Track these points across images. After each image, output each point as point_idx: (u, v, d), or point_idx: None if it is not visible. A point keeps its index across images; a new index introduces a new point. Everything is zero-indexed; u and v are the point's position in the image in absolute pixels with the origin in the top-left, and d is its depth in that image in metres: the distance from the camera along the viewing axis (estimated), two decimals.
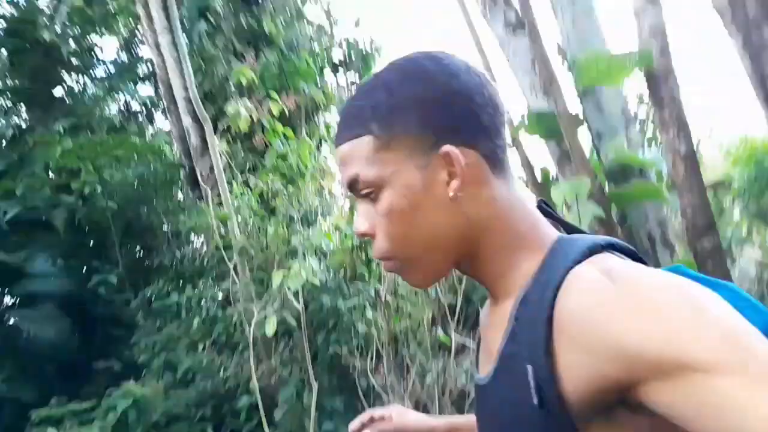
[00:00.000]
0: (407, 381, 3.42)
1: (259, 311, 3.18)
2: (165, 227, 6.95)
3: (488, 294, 0.78)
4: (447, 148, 0.68)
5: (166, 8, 6.25)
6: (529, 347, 0.62)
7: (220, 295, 5.45)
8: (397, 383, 3.41)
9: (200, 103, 4.87)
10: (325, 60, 5.33)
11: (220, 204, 4.65)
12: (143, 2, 6.80)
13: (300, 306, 3.20)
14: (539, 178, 2.88)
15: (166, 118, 9.96)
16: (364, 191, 0.72)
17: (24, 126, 8.44)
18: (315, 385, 3.13)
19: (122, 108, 10.31)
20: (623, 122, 2.76)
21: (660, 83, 2.49)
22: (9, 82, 8.54)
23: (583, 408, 0.59)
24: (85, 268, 6.88)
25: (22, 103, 8.58)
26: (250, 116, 3.78)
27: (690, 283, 0.57)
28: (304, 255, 3.99)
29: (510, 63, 2.98)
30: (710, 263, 2.39)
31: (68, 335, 6.10)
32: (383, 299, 3.22)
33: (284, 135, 4.09)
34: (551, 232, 0.73)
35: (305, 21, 6.05)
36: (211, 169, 6.41)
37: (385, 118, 0.69)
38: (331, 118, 5.79)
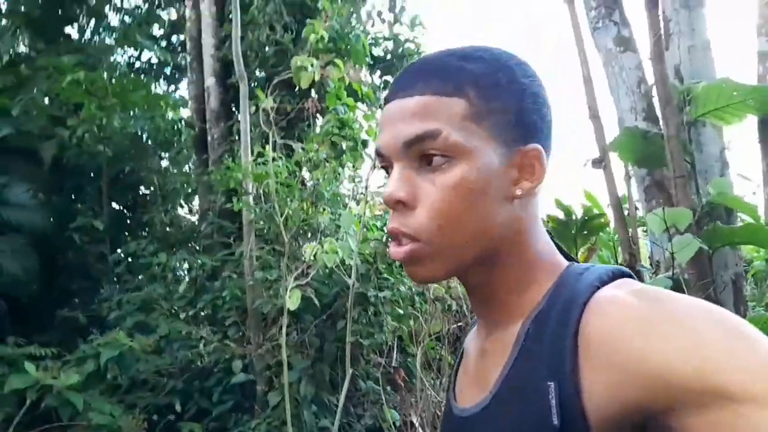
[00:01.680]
0: (417, 394, 3.21)
1: (291, 283, 2.92)
2: (157, 186, 6.60)
3: (483, 319, 0.74)
4: (536, 146, 0.66)
5: None
6: (550, 365, 0.59)
7: (210, 263, 5.18)
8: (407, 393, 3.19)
9: (242, 60, 4.63)
10: (368, 50, 5.15)
11: (227, 169, 4.40)
12: None
13: (352, 281, 2.96)
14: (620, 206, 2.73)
15: (179, 79, 9.74)
16: (436, 152, 0.63)
17: (26, 53, 8.03)
18: (349, 373, 2.87)
19: (130, 61, 10.00)
20: (720, 165, 2.65)
21: None
22: (21, 8, 8.11)
23: (603, 430, 0.55)
24: (65, 209, 6.45)
25: (27, 30, 8.16)
26: (314, 75, 3.54)
27: (723, 309, 0.55)
28: (328, 236, 3.77)
29: (611, 81, 2.85)
30: None
31: (34, 275, 5.67)
32: (414, 298, 3.03)
33: (345, 104, 3.86)
34: (560, 258, 0.70)
35: (362, 4, 5.90)
36: (228, 134, 6.17)
37: (487, 90, 0.64)
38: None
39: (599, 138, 2.87)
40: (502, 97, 0.65)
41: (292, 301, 2.94)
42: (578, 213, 6.24)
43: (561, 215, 6.26)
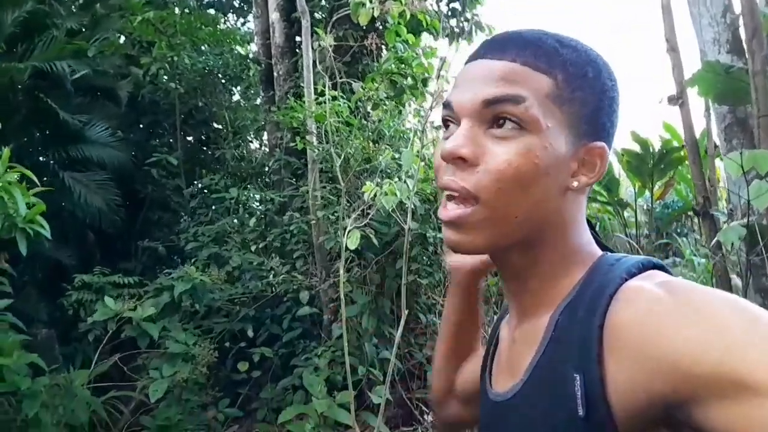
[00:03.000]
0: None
1: (350, 224, 2.96)
2: (228, 121, 6.74)
3: (514, 306, 0.74)
4: (602, 144, 0.67)
5: None
6: (577, 355, 0.60)
7: (278, 199, 5.31)
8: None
9: None
10: None
11: (290, 109, 4.40)
12: None
13: (407, 226, 2.98)
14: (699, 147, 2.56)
15: (248, 13, 9.73)
16: (513, 117, 0.63)
17: None
18: (405, 312, 2.94)
19: None
20: None
21: None
22: None
23: (627, 423, 0.56)
24: (142, 145, 6.74)
25: None
26: (372, 12, 3.44)
27: (749, 303, 0.54)
28: (389, 175, 3.76)
29: (693, 9, 2.62)
30: None
31: (116, 208, 6.01)
32: None
33: (405, 41, 3.76)
34: (596, 249, 0.71)
35: None
36: (293, 70, 6.17)
37: (575, 78, 0.65)
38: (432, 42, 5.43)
39: (677, 73, 2.68)
40: (586, 89, 0.66)
41: (351, 240, 2.99)
42: (656, 146, 5.92)
43: (637, 148, 5.96)
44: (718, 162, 2.92)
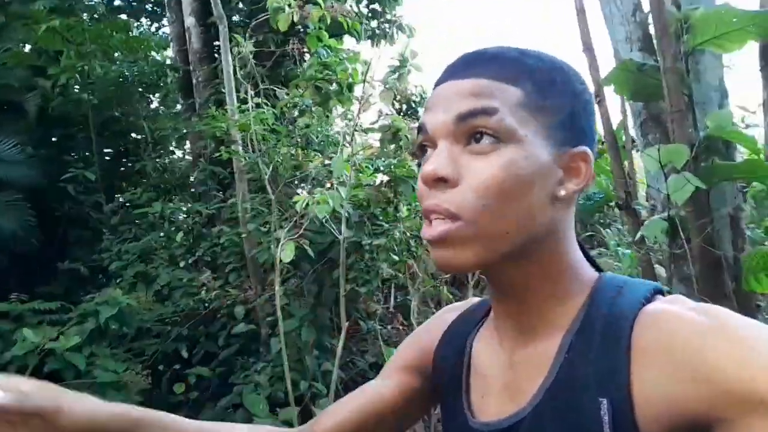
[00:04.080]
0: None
1: (283, 236, 2.89)
2: (147, 131, 6.47)
3: (512, 327, 0.71)
4: (586, 148, 0.66)
5: None
6: (600, 379, 0.59)
7: (206, 212, 5.15)
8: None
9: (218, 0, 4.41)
10: None
11: (212, 118, 4.27)
12: None
13: (342, 235, 2.93)
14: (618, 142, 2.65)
15: (162, 17, 9.38)
16: (488, 130, 0.62)
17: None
18: (344, 326, 2.89)
19: (107, 0, 9.58)
20: (719, 95, 2.55)
21: None
22: None
23: None
24: (55, 161, 6.37)
25: None
26: (291, 17, 3.37)
27: None
28: (320, 183, 3.71)
29: (605, 10, 2.70)
30: None
31: (31, 229, 5.66)
32: (410, 242, 3.01)
33: (327, 46, 3.69)
34: (590, 268, 0.71)
35: None
36: (213, 76, 5.98)
37: (544, 86, 0.65)
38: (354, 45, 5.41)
39: (593, 72, 2.75)
40: (558, 96, 0.65)
41: (285, 253, 2.92)
42: None
43: None
44: (636, 156, 3.04)
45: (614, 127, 2.79)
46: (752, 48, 2.45)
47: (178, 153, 7.46)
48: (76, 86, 6.39)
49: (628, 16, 2.63)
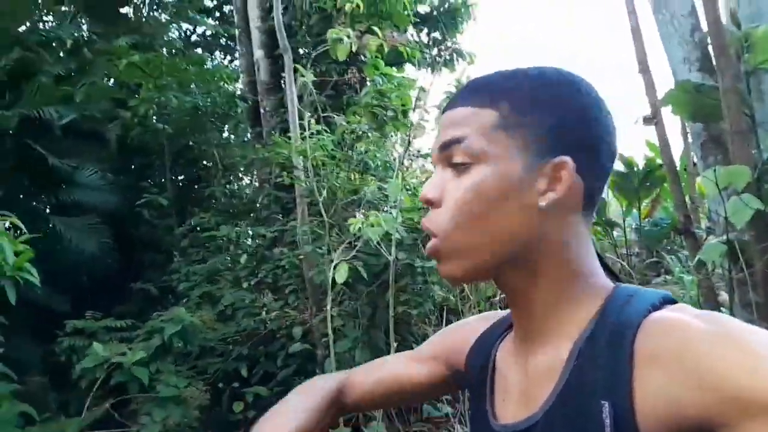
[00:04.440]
0: None
1: (337, 257, 2.96)
2: (217, 159, 6.78)
3: (524, 335, 0.74)
4: (566, 158, 0.67)
5: None
6: (603, 383, 0.61)
7: (269, 235, 5.31)
8: None
9: (284, 32, 4.62)
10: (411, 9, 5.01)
11: (275, 145, 4.43)
12: None
13: (393, 256, 2.97)
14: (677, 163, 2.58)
15: (235, 50, 9.87)
16: (459, 158, 0.69)
17: (85, 37, 8.30)
18: (394, 345, 2.91)
19: (184, 36, 10.18)
20: None
21: None
22: None
23: None
24: (132, 187, 6.76)
25: (86, 15, 8.42)
26: (350, 47, 3.51)
27: None
28: (375, 207, 3.77)
29: (662, 30, 2.66)
30: None
31: (108, 251, 6.01)
32: None
33: (383, 74, 3.81)
34: (607, 280, 0.72)
35: None
36: (279, 106, 6.22)
37: (519, 103, 0.69)
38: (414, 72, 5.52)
39: (650, 93, 2.71)
40: (539, 111, 0.68)
41: (339, 274, 2.98)
42: (640, 165, 5.95)
43: (622, 168, 5.99)
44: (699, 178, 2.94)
45: (677, 150, 2.73)
46: None
47: (246, 180, 7.75)
48: (154, 117, 6.80)
49: (686, 37, 2.58)
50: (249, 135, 7.60)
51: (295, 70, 4.41)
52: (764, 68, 2.36)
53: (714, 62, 2.43)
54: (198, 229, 6.14)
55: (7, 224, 3.41)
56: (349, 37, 3.59)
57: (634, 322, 0.61)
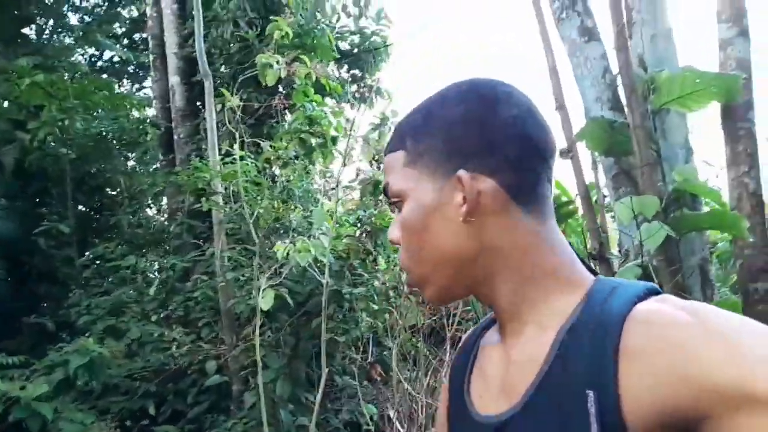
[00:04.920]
0: (394, 388, 3.21)
1: (264, 284, 2.89)
2: (123, 187, 6.47)
3: (508, 327, 0.74)
4: (460, 173, 0.69)
5: None
6: (589, 374, 0.61)
7: (181, 265, 5.10)
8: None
9: (205, 58, 4.55)
10: (333, 45, 5.12)
11: (195, 169, 4.32)
12: None
13: (326, 280, 2.93)
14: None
15: (142, 77, 9.57)
16: (393, 200, 0.76)
17: None
18: (325, 371, 2.85)
19: (89, 61, 9.77)
20: (684, 152, 2.69)
21: (737, 116, 2.44)
22: None
23: None
24: (29, 214, 6.29)
25: None
26: (279, 73, 3.51)
27: (763, 324, 0.58)
28: (300, 233, 3.74)
29: (576, 72, 2.87)
30: (761, 307, 2.32)
31: (1, 282, 5.51)
32: (389, 293, 3.02)
33: (313, 101, 3.82)
34: (585, 271, 0.73)
35: None
36: (194, 133, 6.07)
37: (416, 136, 0.73)
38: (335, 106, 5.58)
39: (566, 128, 2.89)
40: (428, 136, 0.72)
41: (265, 301, 2.91)
42: None
43: None
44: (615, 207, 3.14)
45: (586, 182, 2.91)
46: (715, 108, 2.62)
47: (153, 210, 7.43)
48: (54, 141, 6.40)
49: (599, 78, 2.79)
50: (158, 163, 7.33)
51: (220, 95, 4.34)
52: (667, 108, 2.59)
53: (624, 101, 2.64)
54: (101, 259, 5.78)
55: None
56: (278, 62, 3.60)
57: (619, 315, 0.62)
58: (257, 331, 2.97)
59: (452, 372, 0.87)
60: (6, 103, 6.66)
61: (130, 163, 7.60)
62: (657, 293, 0.67)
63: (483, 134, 0.70)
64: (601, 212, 3.11)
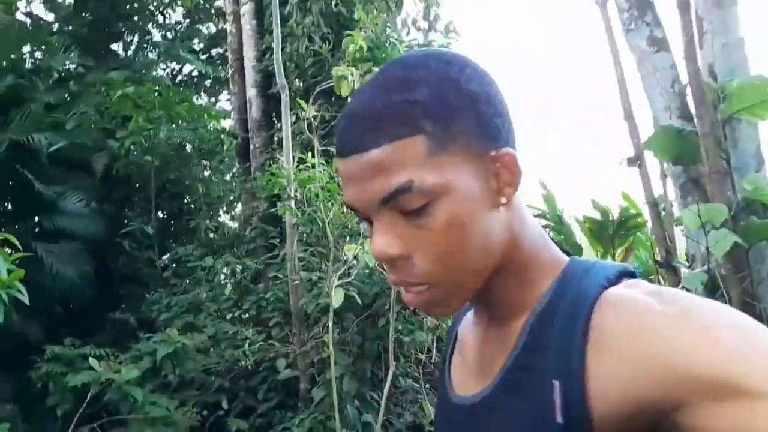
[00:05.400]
0: None
1: (335, 280, 3.05)
2: (201, 193, 6.85)
3: (483, 314, 0.72)
4: (508, 150, 0.63)
5: None
6: (556, 362, 0.59)
7: (255, 266, 5.35)
8: None
9: (282, 71, 4.81)
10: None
11: (272, 175, 4.55)
12: None
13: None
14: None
15: (219, 91, 10.09)
16: (413, 203, 0.59)
17: (75, 69, 8.41)
18: (392, 369, 2.98)
19: (173, 74, 10.37)
20: (756, 161, 2.67)
21: None
22: (69, 27, 8.53)
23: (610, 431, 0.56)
24: (115, 217, 6.77)
25: (76, 47, 8.55)
26: (353, 84, 3.71)
27: (735, 310, 0.56)
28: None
29: (645, 81, 2.90)
30: None
31: (88, 280, 5.95)
32: None
33: None
34: (560, 253, 0.69)
35: (397, 13, 6.03)
36: (269, 143, 6.38)
37: (442, 115, 0.59)
38: None
39: (634, 137, 2.93)
40: (458, 115, 0.60)
41: (336, 299, 3.06)
42: (615, 214, 6.21)
43: (597, 216, 6.25)
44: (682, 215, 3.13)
45: (656, 190, 2.93)
46: None
47: (227, 216, 7.80)
48: (138, 150, 6.85)
49: (667, 87, 2.82)
50: (234, 171, 7.71)
51: (293, 106, 4.58)
52: (738, 117, 2.59)
53: (693, 110, 2.65)
54: (179, 261, 6.14)
55: None
56: (352, 74, 3.80)
57: (589, 299, 0.59)
58: (330, 327, 3.12)
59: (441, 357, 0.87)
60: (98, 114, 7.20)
61: (207, 172, 8.03)
62: (632, 275, 0.64)
63: (503, 109, 0.64)
64: (669, 221, 3.11)
